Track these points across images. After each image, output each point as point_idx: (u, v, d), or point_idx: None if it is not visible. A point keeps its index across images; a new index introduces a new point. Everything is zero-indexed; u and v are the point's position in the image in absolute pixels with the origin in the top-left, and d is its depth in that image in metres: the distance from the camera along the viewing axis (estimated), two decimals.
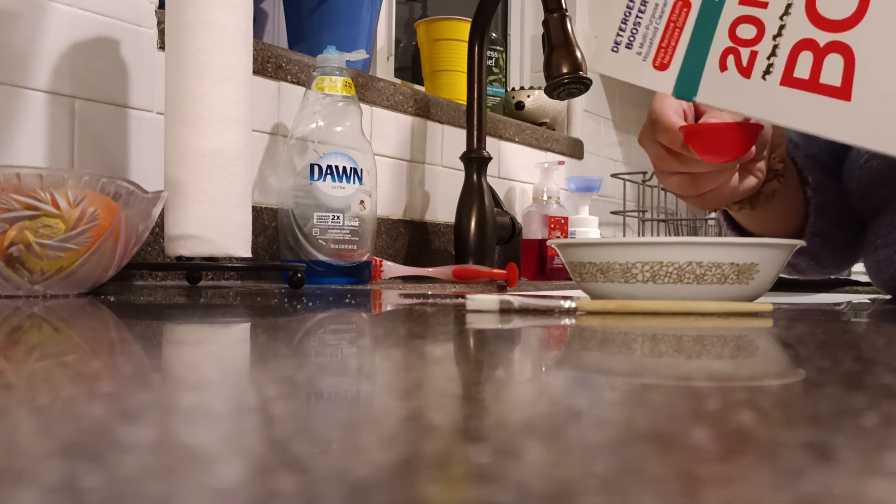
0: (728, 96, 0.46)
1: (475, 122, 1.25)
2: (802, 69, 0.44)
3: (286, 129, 1.08)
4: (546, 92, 1.04)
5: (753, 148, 0.57)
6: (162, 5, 0.92)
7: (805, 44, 0.44)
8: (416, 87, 1.43)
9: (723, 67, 0.46)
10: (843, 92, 0.43)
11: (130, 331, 0.34)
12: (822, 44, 0.43)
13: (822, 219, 0.72)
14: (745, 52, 0.46)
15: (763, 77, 0.45)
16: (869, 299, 0.73)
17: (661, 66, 0.48)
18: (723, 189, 0.61)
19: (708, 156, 0.55)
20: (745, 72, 0.46)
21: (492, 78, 1.52)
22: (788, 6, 0.44)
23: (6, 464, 0.12)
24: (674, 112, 0.58)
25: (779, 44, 0.45)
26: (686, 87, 0.47)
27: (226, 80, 0.76)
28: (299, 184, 0.93)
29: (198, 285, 0.84)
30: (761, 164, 0.63)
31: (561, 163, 1.57)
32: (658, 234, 2.00)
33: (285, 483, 0.11)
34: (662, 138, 0.58)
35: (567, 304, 0.46)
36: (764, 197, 0.66)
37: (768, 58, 0.45)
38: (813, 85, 0.44)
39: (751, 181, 0.63)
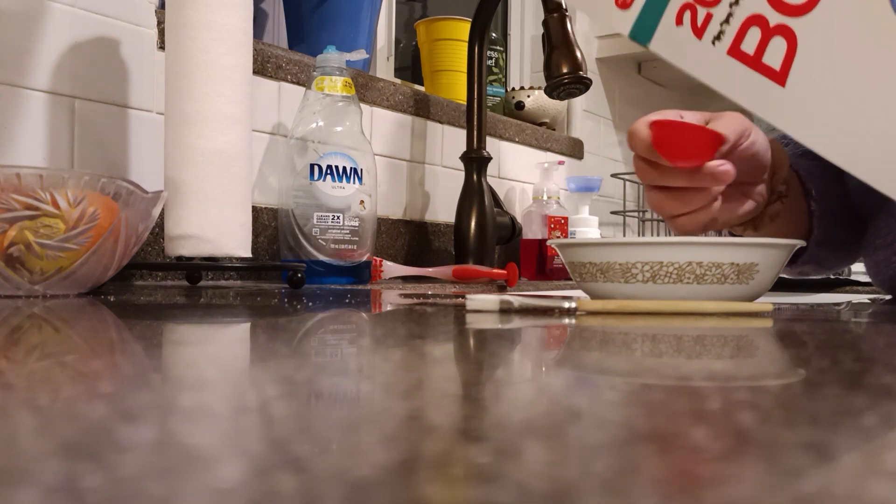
0: (678, 52, 0.47)
1: (475, 122, 1.25)
2: (749, 44, 0.44)
3: (286, 129, 1.08)
4: (546, 92, 1.04)
5: (730, 169, 0.55)
6: (162, 5, 0.92)
7: (756, 19, 0.44)
8: (416, 87, 1.43)
9: (678, 22, 0.47)
10: (779, 76, 0.43)
11: (130, 331, 0.34)
12: (771, 24, 0.44)
13: (827, 226, 0.71)
14: (701, 12, 0.46)
15: (713, 42, 0.46)
16: (869, 299, 0.73)
17: (623, 5, 0.48)
18: (706, 211, 0.59)
19: (673, 158, 0.54)
20: (698, 32, 0.46)
21: (492, 78, 1.52)
22: None
23: (6, 464, 0.12)
24: (646, 124, 0.57)
25: (733, 13, 0.45)
26: (642, 32, 0.48)
27: (226, 80, 0.76)
28: (299, 184, 0.93)
29: (198, 285, 0.84)
30: (761, 189, 0.62)
31: (561, 163, 1.57)
32: (658, 234, 2.00)
33: (285, 483, 0.11)
34: (637, 146, 0.57)
35: (567, 304, 0.46)
36: (768, 218, 0.65)
37: (721, 24, 0.45)
38: (755, 62, 0.44)
39: (749, 205, 0.62)
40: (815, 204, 0.70)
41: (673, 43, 0.47)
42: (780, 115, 0.44)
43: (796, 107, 0.43)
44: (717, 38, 0.45)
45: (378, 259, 1.04)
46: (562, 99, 1.05)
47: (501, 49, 1.54)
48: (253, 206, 0.86)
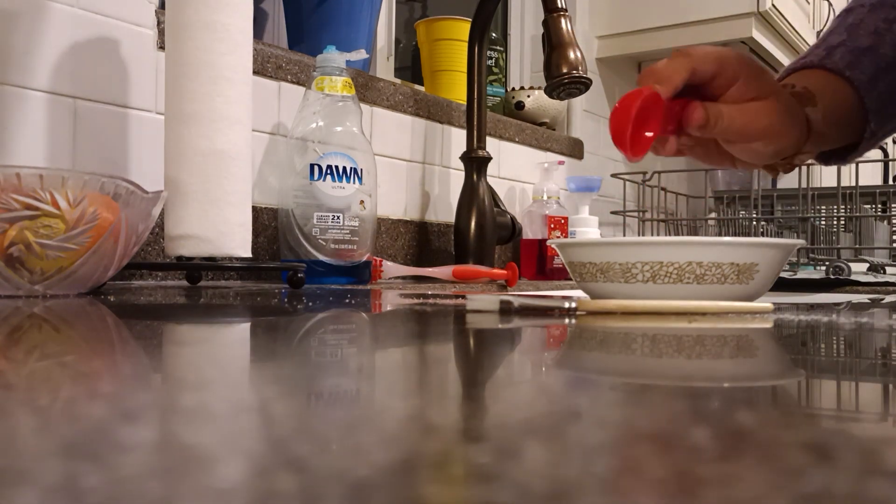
0: None
1: (475, 122, 1.25)
2: None
3: (286, 129, 1.08)
4: (546, 92, 1.04)
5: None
6: (162, 5, 0.92)
7: None
8: (416, 87, 1.43)
9: None
10: None
11: (130, 331, 0.34)
12: None
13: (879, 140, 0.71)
14: None
15: None
16: (869, 299, 0.73)
17: None
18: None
19: (638, 150, 0.54)
20: None
21: (492, 78, 1.52)
22: None
23: (6, 464, 0.12)
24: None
25: None
26: None
27: (226, 80, 0.76)
28: (299, 184, 0.93)
29: (198, 285, 0.84)
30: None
31: (561, 163, 1.57)
32: (658, 234, 1.99)
33: (285, 483, 0.11)
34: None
35: (567, 304, 0.46)
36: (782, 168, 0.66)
37: None
38: None
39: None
40: (869, 132, 0.68)
41: None
42: None
43: None
44: None
45: (378, 259, 1.04)
46: (562, 99, 1.05)
47: (501, 49, 1.54)
48: (253, 206, 0.86)
